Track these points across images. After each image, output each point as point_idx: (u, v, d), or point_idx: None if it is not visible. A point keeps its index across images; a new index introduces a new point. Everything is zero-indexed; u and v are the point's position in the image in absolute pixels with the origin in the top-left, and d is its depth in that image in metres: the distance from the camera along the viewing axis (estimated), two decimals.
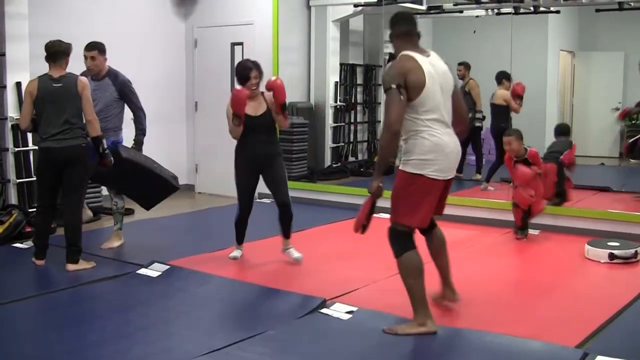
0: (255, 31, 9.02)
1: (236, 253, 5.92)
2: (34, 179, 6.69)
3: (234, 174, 5.77)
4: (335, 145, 10.32)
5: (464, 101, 4.51)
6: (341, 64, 10.27)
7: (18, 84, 6.99)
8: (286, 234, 5.82)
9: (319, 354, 3.95)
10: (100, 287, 5.21)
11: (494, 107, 8.60)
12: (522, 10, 8.50)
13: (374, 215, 4.10)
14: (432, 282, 4.42)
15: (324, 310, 4.51)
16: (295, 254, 5.77)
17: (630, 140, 8.61)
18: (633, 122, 10.40)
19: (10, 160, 7.10)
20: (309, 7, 9.92)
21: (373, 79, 10.92)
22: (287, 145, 8.86)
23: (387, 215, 4.17)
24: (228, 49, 9.33)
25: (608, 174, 10.19)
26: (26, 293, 4.97)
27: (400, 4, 8.55)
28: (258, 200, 8.84)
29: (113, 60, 6.00)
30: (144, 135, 6.16)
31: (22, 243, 6.33)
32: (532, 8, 8.63)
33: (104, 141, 5.57)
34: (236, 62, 6.22)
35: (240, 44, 9.21)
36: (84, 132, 5.51)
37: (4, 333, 4.28)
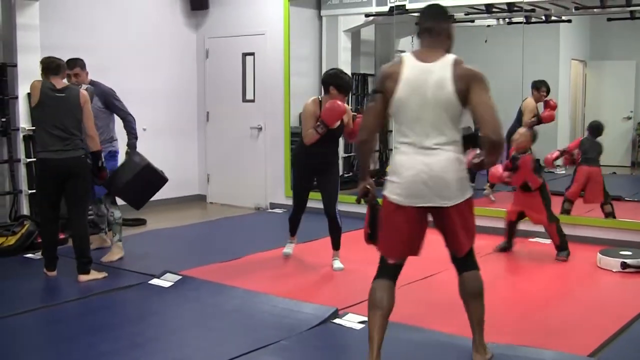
0: (266, 41, 9.06)
1: (288, 250, 6.23)
2: None
3: (291, 174, 5.85)
4: (347, 155, 10.32)
5: (492, 117, 3.40)
6: (352, 74, 10.26)
7: (29, 95, 7.00)
8: (333, 245, 5.94)
9: None
10: (113, 297, 5.22)
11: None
12: (533, 20, 8.50)
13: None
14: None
15: (336, 321, 4.51)
16: (336, 264, 5.88)
17: None
18: None
19: (22, 171, 7.14)
20: (320, 17, 9.93)
21: None
22: None
23: None
24: (239, 59, 9.38)
25: (620, 183, 10.10)
26: (38, 304, 4.99)
27: (412, 13, 8.54)
28: (270, 210, 8.91)
29: (124, 71, 6.05)
30: (136, 139, 6.16)
31: (34, 253, 6.33)
32: (543, 17, 8.64)
33: (102, 155, 5.66)
34: (325, 70, 6.33)
35: (252, 54, 9.26)
36: (82, 143, 5.52)
37: (16, 344, 4.29)
